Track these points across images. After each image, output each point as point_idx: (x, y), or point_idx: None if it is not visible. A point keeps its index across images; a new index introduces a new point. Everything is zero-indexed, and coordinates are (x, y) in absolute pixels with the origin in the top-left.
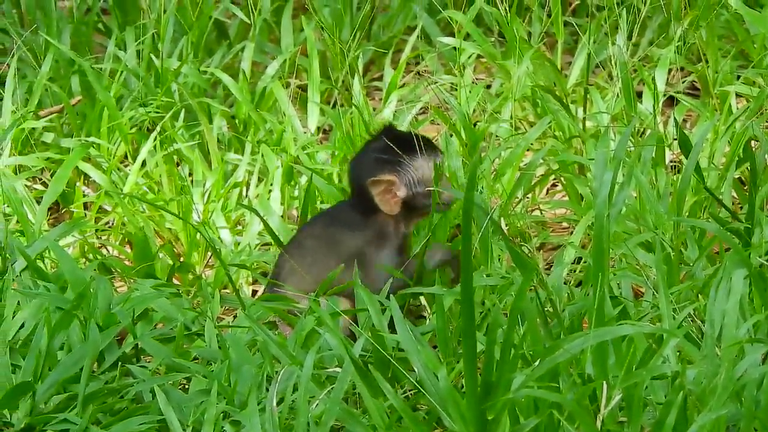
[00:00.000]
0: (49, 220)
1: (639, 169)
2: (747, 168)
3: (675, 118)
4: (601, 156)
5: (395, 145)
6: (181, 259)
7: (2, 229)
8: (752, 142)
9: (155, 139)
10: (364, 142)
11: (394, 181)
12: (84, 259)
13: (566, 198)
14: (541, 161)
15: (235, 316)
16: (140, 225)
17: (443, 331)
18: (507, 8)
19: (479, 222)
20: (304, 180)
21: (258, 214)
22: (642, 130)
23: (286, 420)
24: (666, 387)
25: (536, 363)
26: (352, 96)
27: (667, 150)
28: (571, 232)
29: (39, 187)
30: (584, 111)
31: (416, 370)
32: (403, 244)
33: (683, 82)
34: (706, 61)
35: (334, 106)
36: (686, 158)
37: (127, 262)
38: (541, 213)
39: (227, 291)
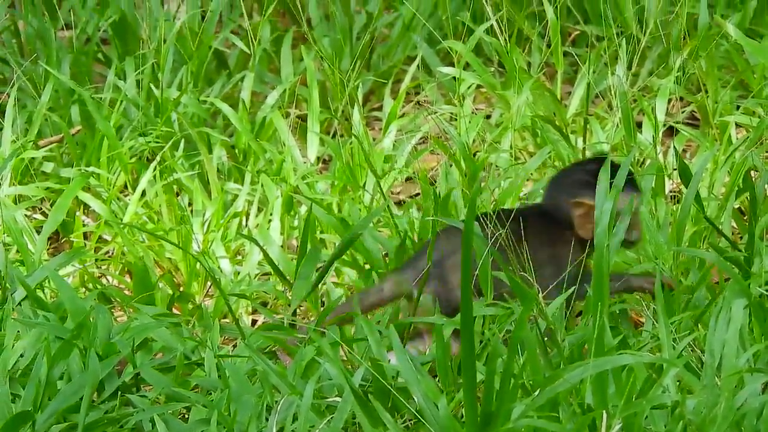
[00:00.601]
0: (48, 249)
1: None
2: (747, 198)
3: (675, 148)
4: (602, 186)
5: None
6: (181, 289)
7: (2, 259)
8: (752, 172)
9: (155, 169)
10: (576, 162)
11: (594, 207)
12: (84, 289)
13: None
14: (542, 191)
15: (234, 346)
16: (140, 255)
17: (443, 360)
18: (507, 38)
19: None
20: (303, 210)
21: (258, 244)
22: (642, 160)
23: None
24: (666, 417)
25: (536, 393)
26: (352, 126)
27: (666, 180)
28: None
29: (39, 216)
30: (584, 141)
31: (416, 399)
32: (578, 272)
33: (683, 112)
34: (706, 92)
35: (333, 136)
36: (686, 187)
37: (126, 292)
38: None
39: (227, 321)
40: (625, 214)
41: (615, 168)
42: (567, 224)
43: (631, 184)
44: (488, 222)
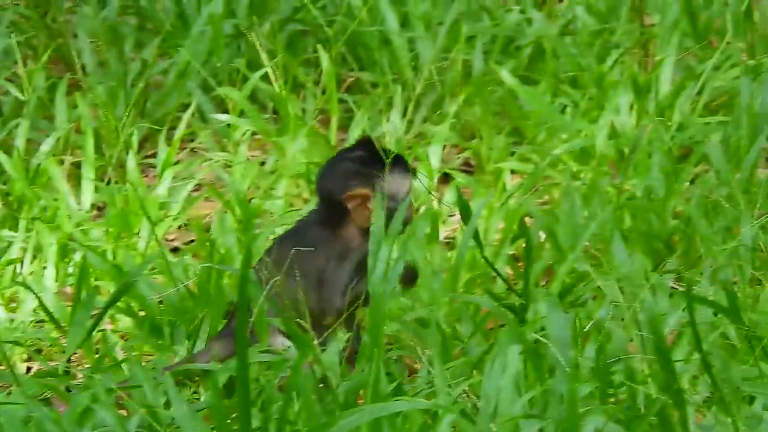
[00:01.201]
0: None
1: (414, 245)
2: (521, 244)
3: (458, 188)
4: (377, 231)
5: (371, 158)
6: None
7: None
8: (527, 219)
9: None
10: (339, 151)
11: (369, 195)
12: None
13: None
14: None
15: (9, 393)
16: None
17: (218, 407)
18: (281, 85)
19: (255, 298)
20: (78, 257)
21: (32, 291)
22: (417, 206)
23: None
24: None
25: None
26: (127, 173)
27: (441, 226)
28: None
29: None
30: None
31: None
32: (363, 261)
33: (458, 159)
34: (481, 138)
35: (108, 182)
36: (465, 224)
37: None
38: None
39: (1, 368)
40: (400, 202)
41: (378, 150)
42: (346, 218)
43: (405, 165)
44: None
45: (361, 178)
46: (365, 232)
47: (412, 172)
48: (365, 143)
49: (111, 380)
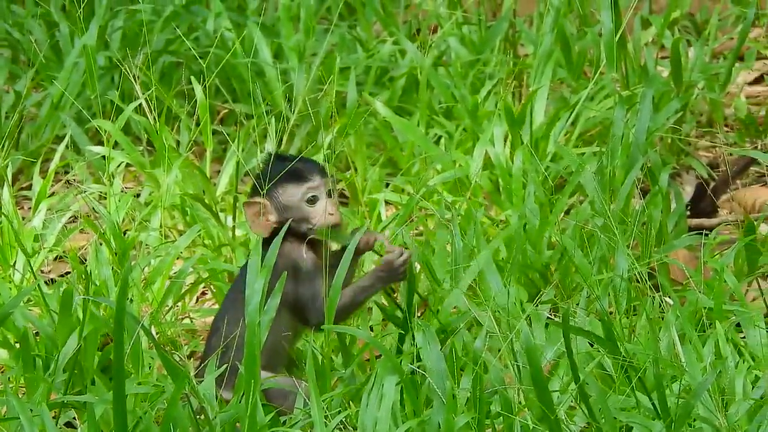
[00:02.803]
0: None
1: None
2: None
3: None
4: (253, 264)
5: (276, 171)
6: None
7: None
8: None
9: None
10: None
11: (265, 205)
12: None
13: (216, 306)
14: (191, 269)
15: None
16: None
17: None
18: (156, 117)
19: (131, 330)
20: None
21: None
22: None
23: None
24: None
25: None
26: (1, 205)
27: None
28: None
29: None
30: (234, 219)
31: None
32: (316, 267)
33: None
34: (355, 169)
35: None
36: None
37: None
38: (192, 321)
39: None
40: (294, 208)
41: (286, 162)
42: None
43: (305, 174)
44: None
45: (257, 189)
46: (298, 243)
47: (315, 179)
48: (274, 157)
49: None
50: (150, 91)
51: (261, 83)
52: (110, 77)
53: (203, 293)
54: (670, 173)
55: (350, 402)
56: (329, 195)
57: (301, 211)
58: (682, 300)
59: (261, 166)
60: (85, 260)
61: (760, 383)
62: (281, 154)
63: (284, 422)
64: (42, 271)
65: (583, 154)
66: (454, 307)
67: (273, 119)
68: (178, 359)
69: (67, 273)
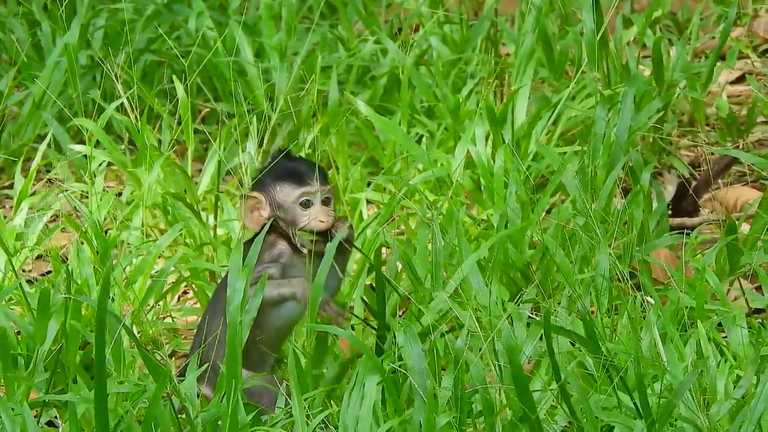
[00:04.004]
0: None
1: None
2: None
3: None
4: (235, 264)
5: (277, 168)
6: None
7: None
8: (383, 249)
9: None
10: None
11: (260, 200)
12: None
13: (198, 305)
14: (173, 268)
15: None
16: None
17: None
18: (137, 116)
19: (112, 329)
20: None
21: None
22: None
23: None
24: None
25: None
26: None
27: None
28: None
29: None
30: (215, 218)
31: None
32: (292, 263)
33: None
34: (337, 168)
35: None
36: None
37: None
38: (173, 320)
39: None
40: (286, 208)
41: (290, 161)
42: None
43: (304, 177)
44: None
45: (257, 184)
46: (288, 242)
47: (313, 184)
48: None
49: None
50: (132, 90)
51: (242, 82)
52: (92, 76)
53: (185, 292)
54: (652, 172)
55: (332, 401)
56: (325, 203)
57: (292, 213)
58: (664, 299)
59: (268, 160)
60: (67, 259)
61: (741, 383)
62: (290, 152)
63: (265, 421)
64: (23, 270)
65: (565, 153)
66: (436, 307)
67: (255, 118)
68: (159, 358)
69: (49, 272)
